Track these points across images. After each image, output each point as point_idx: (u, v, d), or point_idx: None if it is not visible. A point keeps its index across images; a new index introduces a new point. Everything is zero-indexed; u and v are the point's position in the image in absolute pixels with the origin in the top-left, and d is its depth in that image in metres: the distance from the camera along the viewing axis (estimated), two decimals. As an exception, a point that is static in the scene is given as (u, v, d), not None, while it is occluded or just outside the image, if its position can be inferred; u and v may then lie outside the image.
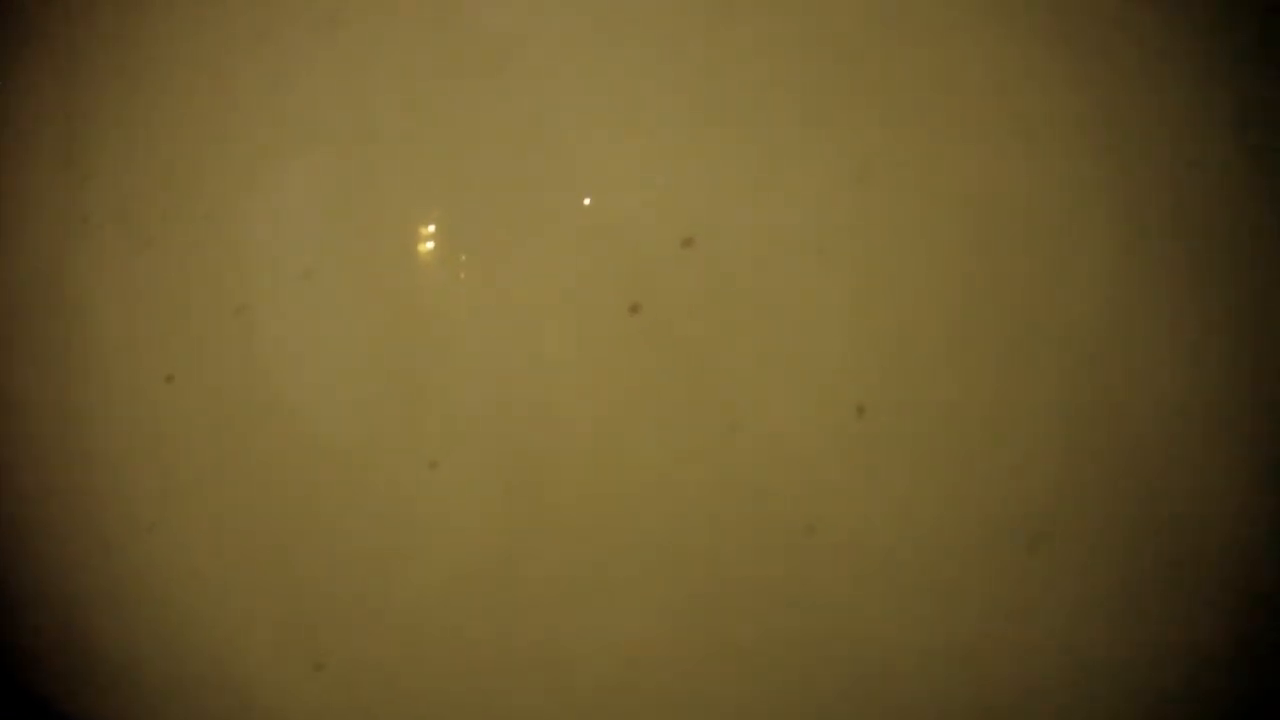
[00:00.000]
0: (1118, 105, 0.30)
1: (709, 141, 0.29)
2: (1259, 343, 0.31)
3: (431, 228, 0.29)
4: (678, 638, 0.29)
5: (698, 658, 0.29)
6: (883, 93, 0.29)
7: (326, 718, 0.33)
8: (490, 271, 0.29)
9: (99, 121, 0.34)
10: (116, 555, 0.34)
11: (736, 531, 0.29)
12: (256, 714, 0.33)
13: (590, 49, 0.29)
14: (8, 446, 0.35)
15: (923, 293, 0.29)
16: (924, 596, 0.29)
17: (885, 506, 0.29)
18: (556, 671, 0.30)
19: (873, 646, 0.29)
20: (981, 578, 0.29)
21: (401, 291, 0.30)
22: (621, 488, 0.29)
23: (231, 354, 0.31)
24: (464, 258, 0.29)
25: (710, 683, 0.29)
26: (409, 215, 0.30)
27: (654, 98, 0.29)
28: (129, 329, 0.32)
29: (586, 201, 0.29)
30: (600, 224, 0.29)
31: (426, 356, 0.29)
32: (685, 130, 0.29)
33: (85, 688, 0.36)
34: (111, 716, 0.36)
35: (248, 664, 0.33)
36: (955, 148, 0.29)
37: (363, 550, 0.31)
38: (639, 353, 0.28)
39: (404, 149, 0.30)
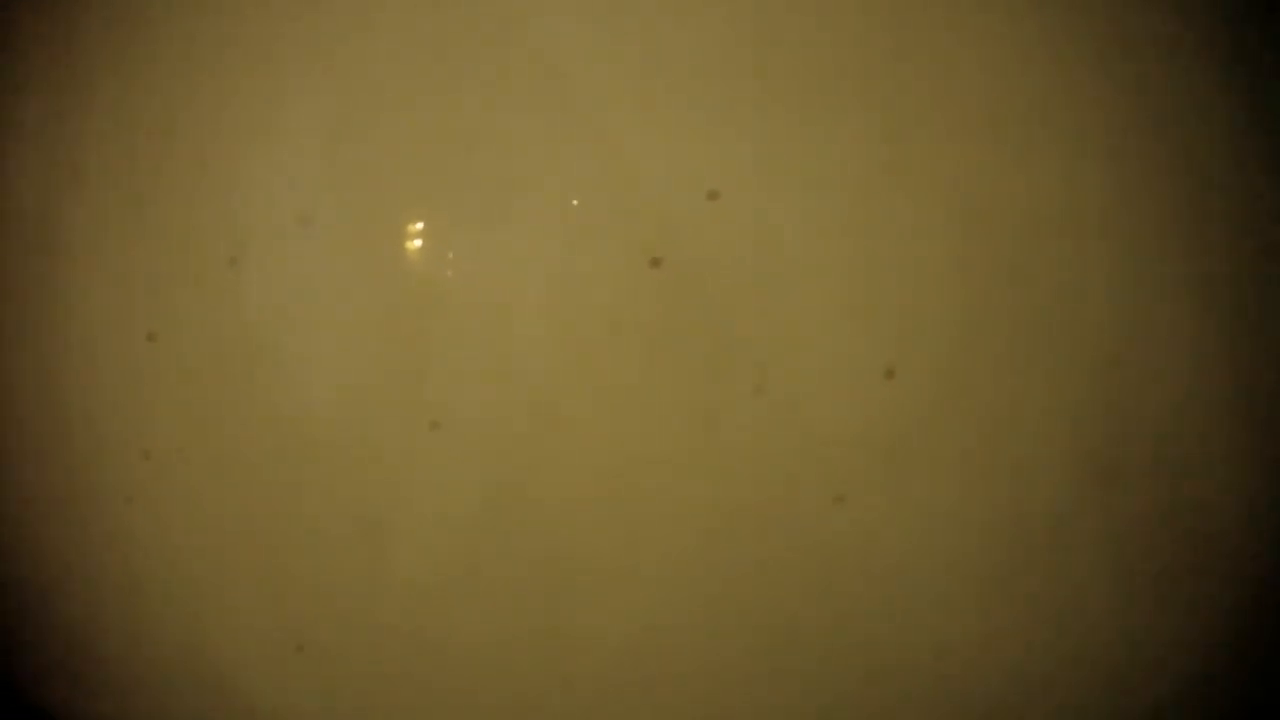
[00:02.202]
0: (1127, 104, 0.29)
1: (737, 92, 0.27)
2: (1264, 340, 0.30)
3: (439, 173, 0.28)
4: (696, 610, 0.28)
5: (717, 631, 0.28)
6: (916, 60, 0.28)
7: (307, 701, 0.31)
8: (503, 219, 0.27)
9: (92, 73, 0.32)
10: (93, 529, 0.32)
11: (760, 499, 0.27)
12: (237, 695, 0.31)
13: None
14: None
15: (955, 255, 0.28)
16: (948, 573, 0.28)
17: (915, 475, 0.27)
18: (562, 648, 0.28)
19: (899, 619, 0.28)
20: (1007, 548, 0.28)
21: (405, 239, 0.28)
22: (637, 451, 0.27)
23: (219, 308, 0.29)
24: (474, 203, 0.27)
25: (731, 657, 0.28)
26: (414, 161, 0.28)
27: (680, 46, 0.27)
28: (114, 285, 0.31)
29: (607, 150, 0.27)
30: (621, 173, 0.27)
31: (430, 309, 0.28)
32: (712, 80, 0.27)
33: (58, 668, 0.34)
34: (87, 697, 0.33)
35: (228, 644, 0.31)
36: (986, 122, 0.28)
37: (353, 525, 0.29)
38: (660, 309, 0.27)
39: (409, 93, 0.28)
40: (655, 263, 0.27)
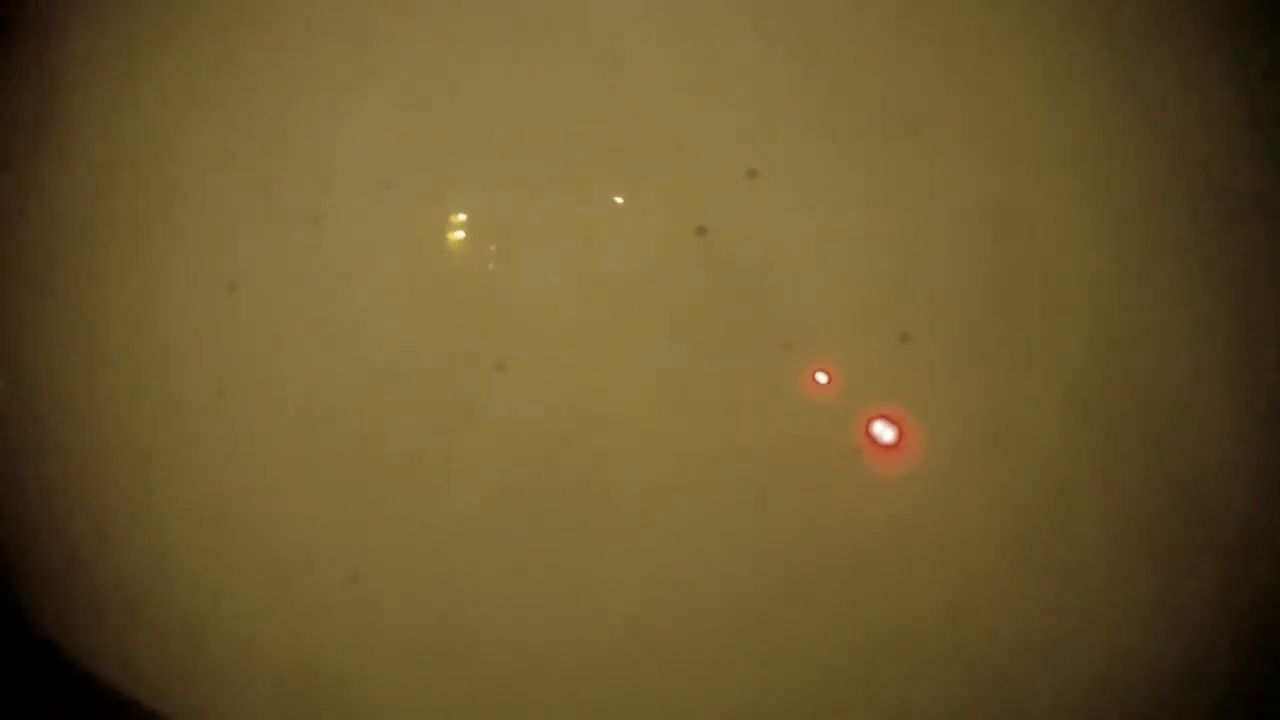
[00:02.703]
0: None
1: (776, 82, 0.31)
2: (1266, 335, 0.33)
3: (510, 144, 0.31)
4: (728, 553, 0.31)
5: (744, 578, 0.31)
6: (939, 51, 0.32)
7: (356, 634, 0.33)
8: (567, 185, 0.31)
9: (158, 46, 0.35)
10: (156, 462, 0.35)
11: (785, 440, 0.30)
12: (287, 624, 0.34)
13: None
14: (70, 351, 0.36)
15: (965, 241, 0.31)
16: (959, 531, 0.31)
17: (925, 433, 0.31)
18: (609, 584, 0.31)
19: (911, 573, 0.31)
20: (1016, 516, 0.31)
21: (479, 205, 0.31)
22: (679, 396, 0.30)
23: (300, 263, 0.32)
24: (540, 172, 0.31)
25: (755, 601, 0.31)
26: (486, 133, 0.32)
27: (726, 41, 0.32)
28: (198, 237, 0.34)
29: (661, 131, 0.31)
30: (673, 151, 0.31)
31: (497, 263, 0.31)
32: (757, 71, 0.31)
33: (87, 606, 0.36)
34: (117, 632, 0.36)
35: (280, 572, 0.34)
36: (1004, 112, 0.32)
37: (415, 459, 0.32)
38: (704, 269, 0.31)
39: (481, 73, 0.32)
40: (701, 230, 0.31)
